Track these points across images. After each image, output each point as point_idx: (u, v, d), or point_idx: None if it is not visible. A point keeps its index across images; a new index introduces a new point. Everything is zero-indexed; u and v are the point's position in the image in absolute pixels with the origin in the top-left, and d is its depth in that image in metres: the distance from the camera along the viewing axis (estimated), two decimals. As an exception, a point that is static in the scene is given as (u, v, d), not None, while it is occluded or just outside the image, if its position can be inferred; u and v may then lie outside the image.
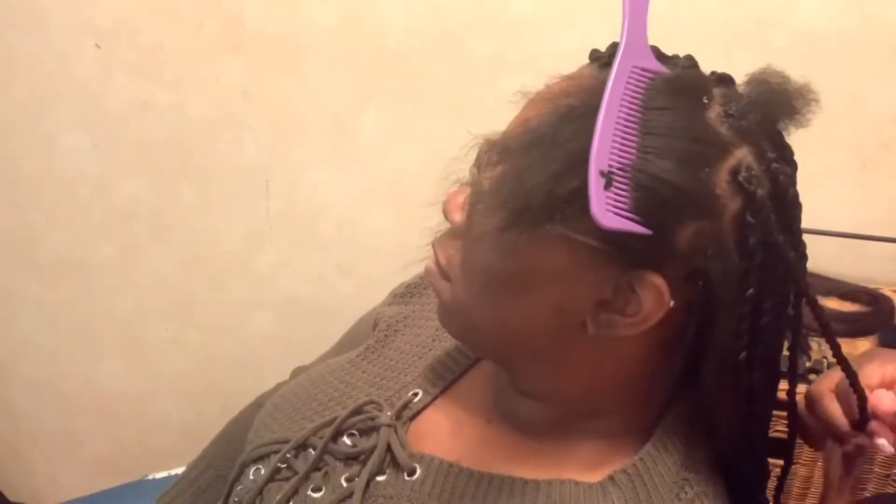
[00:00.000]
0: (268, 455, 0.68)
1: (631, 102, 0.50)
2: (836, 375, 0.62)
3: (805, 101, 0.55)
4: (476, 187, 0.57)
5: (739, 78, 0.56)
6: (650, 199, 0.49)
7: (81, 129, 1.51)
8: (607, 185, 0.48)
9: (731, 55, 1.18)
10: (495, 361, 0.66)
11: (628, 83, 0.51)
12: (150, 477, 1.12)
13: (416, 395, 0.69)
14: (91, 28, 1.42)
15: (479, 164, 0.57)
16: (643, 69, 0.52)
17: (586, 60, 0.58)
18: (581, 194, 0.48)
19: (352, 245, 1.50)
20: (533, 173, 0.50)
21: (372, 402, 0.68)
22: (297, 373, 0.90)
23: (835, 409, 0.61)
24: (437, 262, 0.60)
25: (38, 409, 1.81)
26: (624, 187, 0.48)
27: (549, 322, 0.56)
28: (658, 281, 0.51)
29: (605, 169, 0.48)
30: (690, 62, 0.56)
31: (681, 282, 0.52)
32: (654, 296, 0.52)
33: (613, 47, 0.54)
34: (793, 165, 0.56)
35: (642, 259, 0.51)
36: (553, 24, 1.27)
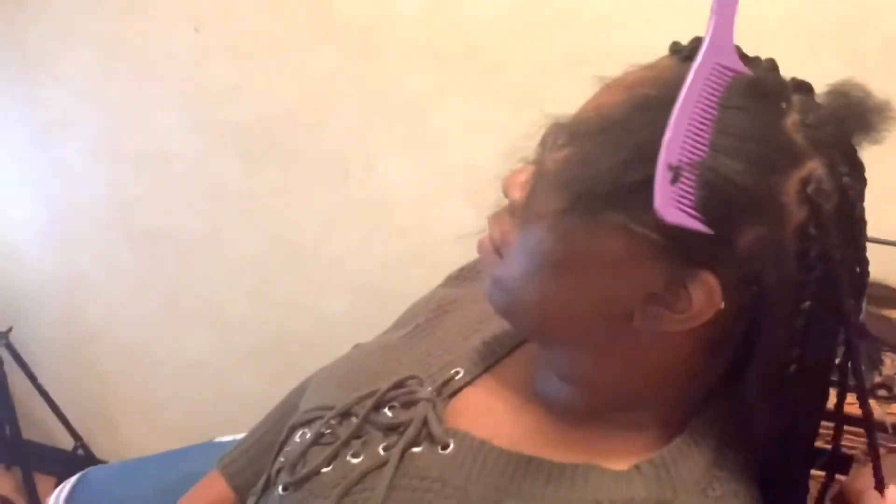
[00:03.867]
0: (314, 420, 0.71)
1: (708, 99, 0.50)
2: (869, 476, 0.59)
3: (882, 117, 0.54)
4: (540, 167, 0.57)
5: (821, 85, 0.55)
6: (715, 197, 0.48)
7: (178, 109, 1.59)
8: (674, 180, 0.47)
9: (819, 58, 1.15)
10: (537, 342, 0.67)
11: (708, 79, 0.50)
12: (217, 440, 1.17)
13: (457, 373, 0.70)
14: (191, 14, 1.49)
15: (545, 145, 0.57)
16: (725, 67, 0.51)
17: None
18: (646, 186, 0.47)
19: (425, 233, 1.52)
20: (600, 159, 0.51)
21: (414, 377, 0.70)
22: (356, 348, 0.93)
23: None
24: (492, 238, 0.61)
25: (127, 373, 1.91)
26: (690, 183, 0.48)
27: (597, 309, 0.56)
28: (711, 280, 0.51)
29: (675, 163, 0.48)
30: (772, 65, 0.55)
31: (735, 285, 0.52)
32: (706, 295, 0.51)
33: (696, 42, 0.54)
34: (863, 182, 0.55)
35: (699, 257, 0.51)
36: (632, 20, 1.27)
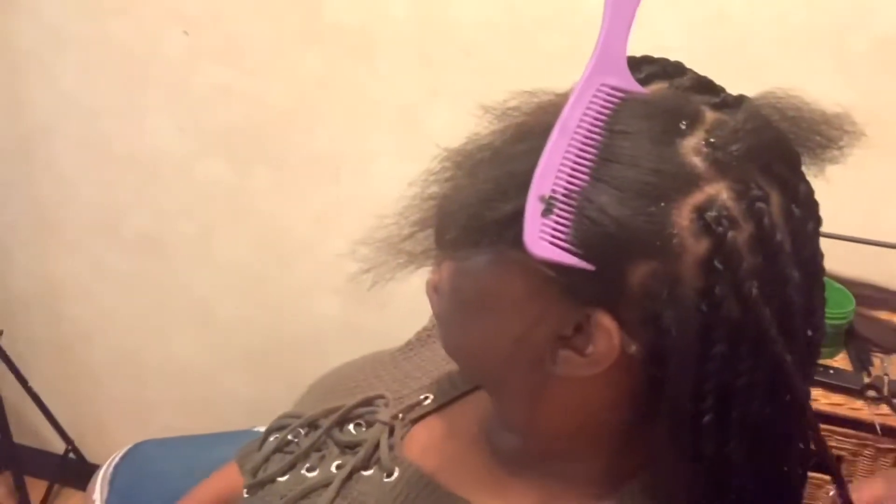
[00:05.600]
0: (286, 426, 0.71)
1: (594, 124, 0.46)
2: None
3: (834, 129, 0.49)
4: (439, 201, 0.54)
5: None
6: (593, 231, 0.44)
7: (168, 112, 1.58)
8: (546, 212, 0.44)
9: (808, 59, 1.15)
10: (476, 384, 0.65)
11: (593, 102, 0.46)
12: (256, 429, 1.17)
13: (426, 398, 0.69)
14: (180, 16, 1.48)
15: (439, 177, 0.54)
16: (614, 88, 0.47)
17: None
18: (520, 219, 0.44)
19: (417, 236, 1.52)
20: (469, 192, 0.48)
21: (381, 396, 0.69)
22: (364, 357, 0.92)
23: None
24: (434, 276, 0.59)
25: (118, 376, 1.91)
26: (567, 216, 0.44)
27: (510, 351, 0.52)
28: (608, 322, 0.46)
29: (547, 194, 0.44)
30: (693, 83, 0.50)
31: (637, 326, 0.47)
32: (605, 337, 0.47)
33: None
34: (805, 206, 0.47)
35: (592, 296, 0.46)
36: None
